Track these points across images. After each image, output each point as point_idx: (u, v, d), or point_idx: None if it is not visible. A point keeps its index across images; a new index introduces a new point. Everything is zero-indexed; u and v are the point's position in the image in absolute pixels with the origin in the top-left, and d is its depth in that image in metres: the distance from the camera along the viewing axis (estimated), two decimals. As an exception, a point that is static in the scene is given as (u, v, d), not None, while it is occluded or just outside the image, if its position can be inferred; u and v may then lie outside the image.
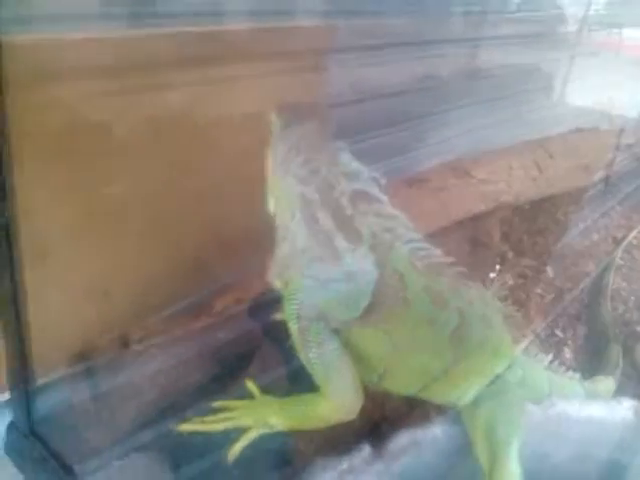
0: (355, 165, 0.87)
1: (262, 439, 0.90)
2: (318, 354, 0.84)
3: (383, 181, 0.87)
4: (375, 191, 0.87)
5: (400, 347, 0.90)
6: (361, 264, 0.85)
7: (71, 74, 0.95)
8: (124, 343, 1.12)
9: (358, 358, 0.88)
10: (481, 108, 2.19)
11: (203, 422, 0.90)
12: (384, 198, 0.88)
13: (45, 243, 1.00)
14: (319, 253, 0.85)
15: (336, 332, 0.86)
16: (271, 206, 0.91)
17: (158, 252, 1.21)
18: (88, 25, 0.99)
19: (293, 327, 0.87)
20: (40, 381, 1.03)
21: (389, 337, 0.89)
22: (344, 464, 0.96)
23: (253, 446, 0.89)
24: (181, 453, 1.02)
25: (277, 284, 0.92)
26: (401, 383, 0.96)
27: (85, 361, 1.09)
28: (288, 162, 0.86)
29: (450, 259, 0.94)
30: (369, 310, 0.86)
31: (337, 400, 0.84)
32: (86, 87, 0.97)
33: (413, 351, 0.92)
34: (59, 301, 1.06)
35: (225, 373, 1.13)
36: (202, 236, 1.26)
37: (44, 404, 1.03)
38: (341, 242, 0.85)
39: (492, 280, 1.62)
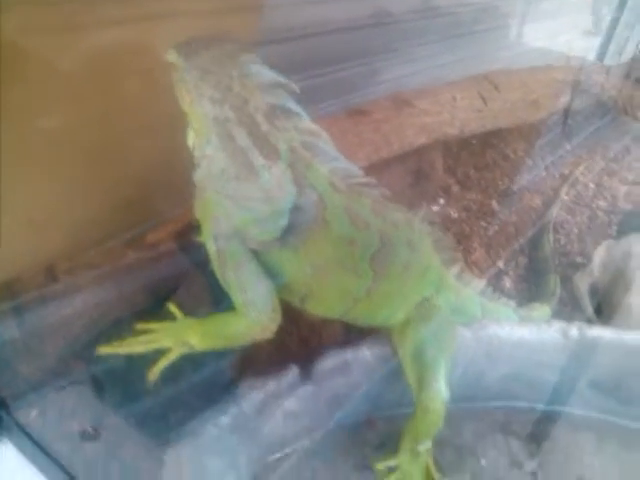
0: (269, 75, 0.83)
1: (192, 360, 0.89)
2: (235, 273, 0.83)
3: (297, 89, 0.84)
4: (292, 104, 0.84)
5: (320, 269, 0.89)
6: (278, 182, 0.83)
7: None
8: (52, 275, 1.10)
9: (279, 281, 0.87)
10: (434, 47, 2.16)
11: (123, 344, 0.89)
12: (302, 111, 0.85)
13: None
14: (236, 172, 0.83)
15: (255, 254, 0.85)
16: (190, 140, 0.87)
17: (90, 185, 1.17)
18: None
19: (211, 248, 0.85)
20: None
21: (308, 259, 0.88)
22: (271, 385, 0.97)
23: (183, 366, 0.89)
24: (109, 379, 1.02)
25: (198, 212, 0.90)
26: (323, 305, 0.96)
27: (12, 293, 1.07)
28: (200, 87, 0.82)
29: (372, 180, 0.93)
30: (288, 231, 0.85)
31: (253, 318, 0.83)
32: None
33: (333, 273, 0.91)
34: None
35: (155, 304, 1.12)
36: (136, 170, 1.23)
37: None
38: (257, 159, 0.82)
39: (434, 213, 1.62)
